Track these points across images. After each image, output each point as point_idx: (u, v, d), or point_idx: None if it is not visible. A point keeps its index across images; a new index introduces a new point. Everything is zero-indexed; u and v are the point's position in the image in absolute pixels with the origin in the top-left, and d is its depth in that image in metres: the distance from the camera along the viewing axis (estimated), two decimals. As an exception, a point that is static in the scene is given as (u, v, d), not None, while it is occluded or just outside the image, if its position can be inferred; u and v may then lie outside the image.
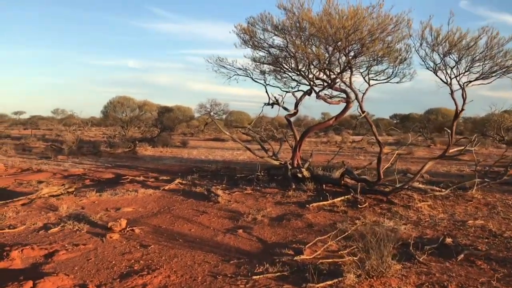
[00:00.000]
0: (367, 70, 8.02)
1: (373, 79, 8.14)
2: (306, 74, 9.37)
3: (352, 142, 25.83)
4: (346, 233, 5.28)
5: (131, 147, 19.44)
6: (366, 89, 7.82)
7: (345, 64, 7.75)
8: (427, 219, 6.35)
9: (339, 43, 7.19)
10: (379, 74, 8.12)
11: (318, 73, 9.33)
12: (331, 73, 8.73)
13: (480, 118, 36.64)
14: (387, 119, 52.32)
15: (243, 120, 46.54)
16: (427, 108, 46.99)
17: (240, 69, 10.21)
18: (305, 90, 9.98)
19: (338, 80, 9.34)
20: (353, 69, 7.86)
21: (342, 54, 7.57)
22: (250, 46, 8.84)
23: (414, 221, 6.25)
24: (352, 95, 9.10)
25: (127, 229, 5.84)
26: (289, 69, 9.48)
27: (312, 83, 9.32)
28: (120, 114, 35.87)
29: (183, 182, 9.82)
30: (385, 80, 8.07)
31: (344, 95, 9.39)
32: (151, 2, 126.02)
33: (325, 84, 9.41)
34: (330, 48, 7.84)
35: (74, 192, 8.56)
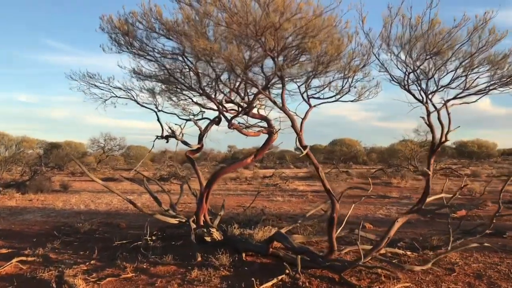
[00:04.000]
0: (305, 84, 5.42)
1: (314, 97, 5.54)
2: (213, 94, 6.67)
3: (263, 178, 23.59)
4: None
5: (-13, 196, 14.89)
6: (307, 112, 5.17)
7: (273, 74, 5.16)
8: (418, 321, 3.86)
9: (264, 40, 4.60)
10: (323, 88, 5.56)
11: (229, 93, 6.68)
12: (251, 88, 6.11)
13: (385, 148, 37.27)
14: (291, 151, 51.56)
15: (144, 155, 42.28)
16: (331, 139, 47.40)
17: (120, 88, 7.19)
18: (212, 117, 7.25)
19: (257, 103, 6.79)
20: (286, 80, 5.26)
21: (268, 57, 4.97)
22: (126, 50, 5.87)
23: (402, 329, 3.72)
24: (277, 123, 6.60)
25: None
26: (189, 88, 6.67)
27: (221, 107, 6.63)
28: (-9, 153, 30.04)
29: (29, 258, 6.31)
30: (334, 98, 5.54)
31: (265, 124, 6.85)
32: (45, 34, 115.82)
33: (240, 109, 6.78)
34: (248, 54, 5.24)
35: None
